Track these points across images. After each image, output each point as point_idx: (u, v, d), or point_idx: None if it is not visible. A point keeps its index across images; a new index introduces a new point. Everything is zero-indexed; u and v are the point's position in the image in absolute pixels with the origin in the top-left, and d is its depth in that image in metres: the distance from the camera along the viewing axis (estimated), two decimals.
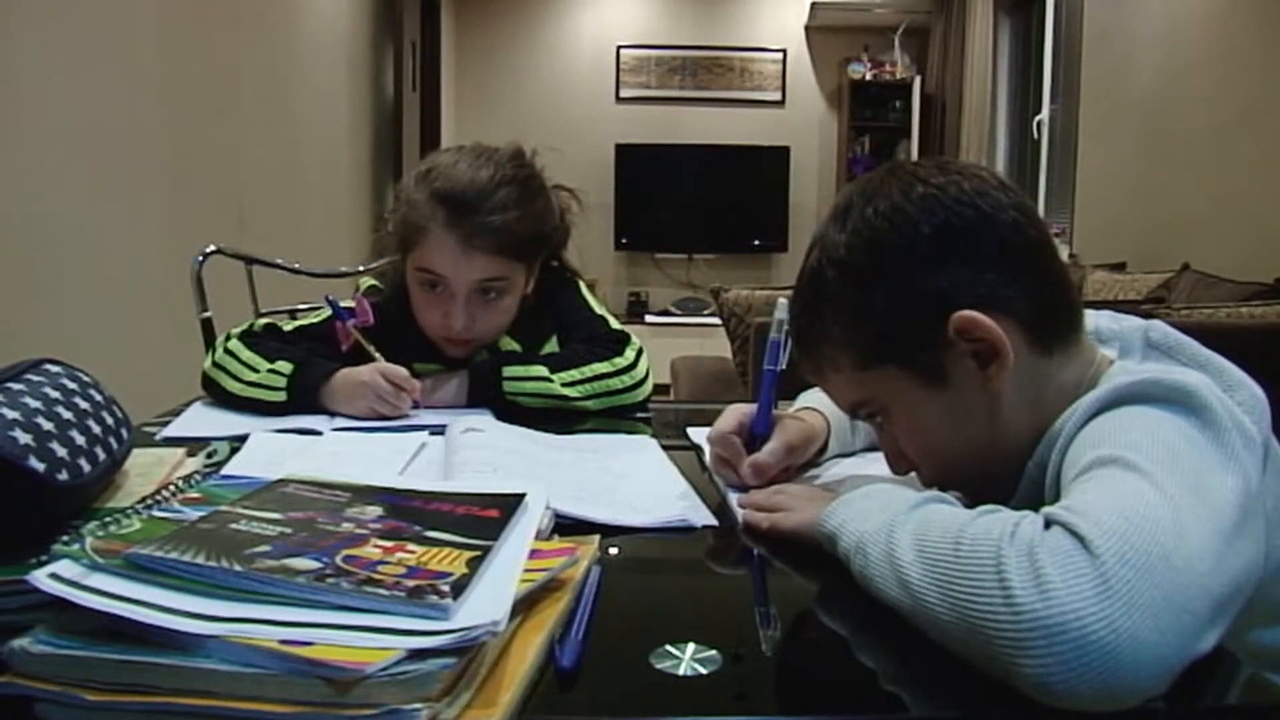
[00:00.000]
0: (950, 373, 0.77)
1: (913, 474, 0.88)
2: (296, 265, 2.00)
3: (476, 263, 1.28)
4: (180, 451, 0.99)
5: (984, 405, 0.78)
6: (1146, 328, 0.82)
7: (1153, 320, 0.83)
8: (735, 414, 0.97)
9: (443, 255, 1.27)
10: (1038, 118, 5.26)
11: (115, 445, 0.81)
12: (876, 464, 1.03)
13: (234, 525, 0.63)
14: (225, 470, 0.93)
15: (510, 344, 1.40)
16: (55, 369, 0.82)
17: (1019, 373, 0.77)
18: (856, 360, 0.81)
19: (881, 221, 0.78)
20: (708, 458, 1.00)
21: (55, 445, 0.72)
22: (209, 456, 1.04)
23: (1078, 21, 4.83)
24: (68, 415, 0.76)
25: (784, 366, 0.98)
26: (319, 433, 1.16)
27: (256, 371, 1.28)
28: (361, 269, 1.95)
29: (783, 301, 0.99)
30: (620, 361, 1.34)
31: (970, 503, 0.84)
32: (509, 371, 1.30)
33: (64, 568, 0.56)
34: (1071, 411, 0.73)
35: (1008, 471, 0.81)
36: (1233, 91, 3.54)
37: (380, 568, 0.58)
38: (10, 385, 0.75)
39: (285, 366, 1.28)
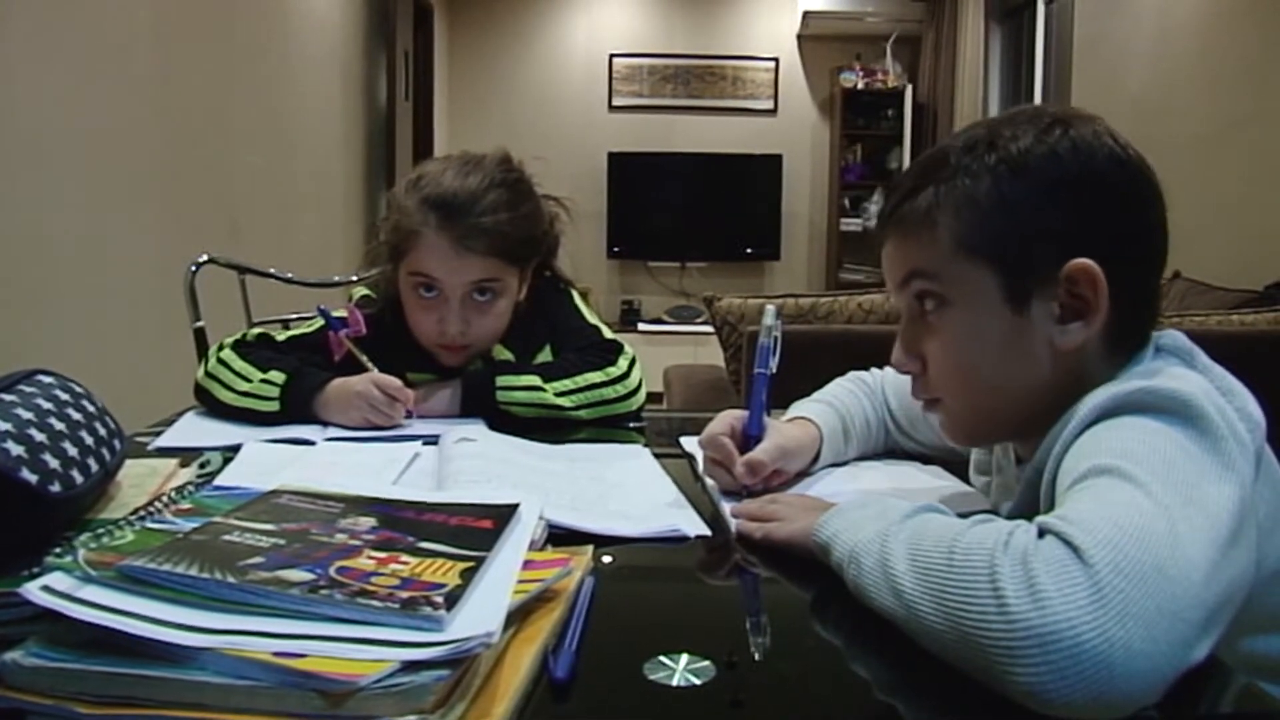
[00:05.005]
0: (1033, 307, 0.78)
1: (902, 471, 0.88)
2: (289, 275, 2.00)
3: (470, 264, 1.28)
4: (173, 462, 0.99)
5: (1036, 354, 0.78)
6: (1157, 336, 0.82)
7: (1164, 330, 0.83)
8: (726, 418, 0.97)
9: (436, 257, 1.28)
10: None
11: (108, 456, 0.81)
12: (869, 474, 1.03)
13: (227, 536, 0.63)
14: (218, 481, 0.93)
15: (503, 353, 1.40)
16: (48, 380, 0.82)
17: (1082, 348, 0.77)
18: (960, 239, 0.79)
19: (1067, 144, 0.77)
20: (700, 463, 1.00)
21: (48, 457, 0.72)
22: (202, 467, 1.03)
23: (1068, 31, 4.85)
24: (60, 426, 0.76)
25: (774, 370, 0.98)
26: (312, 443, 1.16)
27: (249, 381, 1.28)
28: (355, 278, 1.95)
29: (770, 308, 1.00)
30: (613, 371, 1.34)
31: (943, 429, 0.87)
32: (502, 381, 1.30)
33: (56, 580, 0.56)
34: (1069, 418, 0.73)
35: (998, 424, 0.82)
36: (1222, 101, 3.56)
37: (374, 579, 0.58)
38: (3, 396, 0.75)
39: (278, 376, 1.27)
